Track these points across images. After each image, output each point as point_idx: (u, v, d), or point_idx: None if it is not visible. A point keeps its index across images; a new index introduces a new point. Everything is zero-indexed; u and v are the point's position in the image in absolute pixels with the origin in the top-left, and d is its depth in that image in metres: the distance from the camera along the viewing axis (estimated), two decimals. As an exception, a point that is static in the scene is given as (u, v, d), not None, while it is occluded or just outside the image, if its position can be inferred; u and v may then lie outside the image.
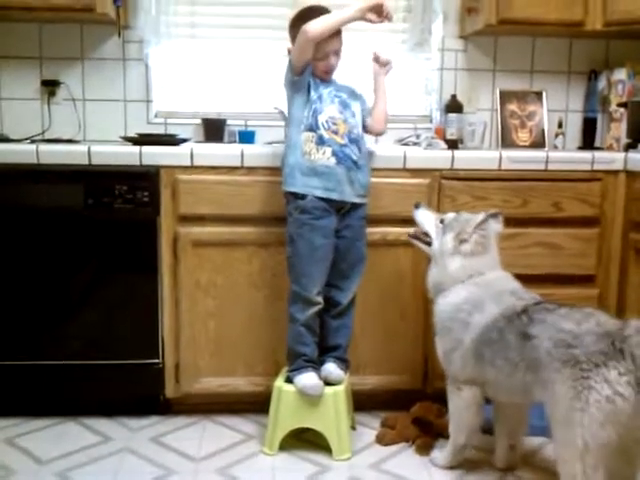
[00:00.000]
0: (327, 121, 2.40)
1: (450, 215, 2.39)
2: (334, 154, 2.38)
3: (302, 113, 2.41)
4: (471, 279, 2.27)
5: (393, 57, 2.62)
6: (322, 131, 2.38)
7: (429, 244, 2.40)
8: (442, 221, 2.37)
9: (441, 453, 2.40)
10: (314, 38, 2.33)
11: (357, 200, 2.46)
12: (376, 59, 2.59)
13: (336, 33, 2.40)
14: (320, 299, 2.44)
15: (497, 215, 2.33)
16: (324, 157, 2.38)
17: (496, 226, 2.33)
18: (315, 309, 2.44)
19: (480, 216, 2.30)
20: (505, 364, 2.08)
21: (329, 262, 2.44)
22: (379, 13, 2.40)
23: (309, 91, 2.42)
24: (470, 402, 2.26)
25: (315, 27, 2.33)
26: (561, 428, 1.89)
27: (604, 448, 1.80)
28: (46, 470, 2.33)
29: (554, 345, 1.92)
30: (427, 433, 2.54)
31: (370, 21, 2.41)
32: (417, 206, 2.46)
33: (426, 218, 2.43)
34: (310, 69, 2.42)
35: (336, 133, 2.40)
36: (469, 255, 2.28)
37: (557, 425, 1.91)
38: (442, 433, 2.48)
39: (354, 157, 2.42)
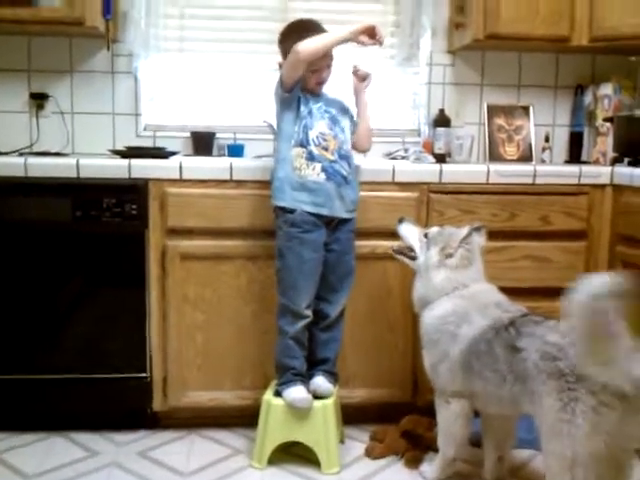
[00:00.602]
0: (317, 137, 2.40)
1: (434, 229, 2.40)
2: (324, 170, 2.39)
3: (292, 128, 2.42)
4: (456, 291, 2.28)
5: (372, 71, 2.60)
6: (312, 147, 2.39)
7: (413, 258, 2.41)
8: (426, 235, 2.38)
9: (430, 466, 2.40)
10: (305, 59, 2.33)
11: (346, 215, 2.47)
12: (355, 73, 2.59)
13: None
14: (309, 312, 2.44)
15: (480, 228, 2.35)
16: (314, 173, 2.39)
17: (480, 239, 2.35)
18: (304, 322, 2.44)
19: (464, 230, 2.31)
20: (494, 376, 2.08)
21: (318, 276, 2.44)
22: (371, 36, 2.41)
23: (299, 106, 2.42)
24: (458, 415, 2.26)
25: (307, 48, 2.32)
26: (549, 440, 1.89)
27: (593, 459, 1.80)
28: (33, 485, 2.31)
29: (540, 357, 1.92)
30: (416, 446, 2.54)
31: (362, 43, 2.41)
32: (401, 221, 2.47)
33: (410, 232, 2.44)
34: (300, 84, 2.42)
35: (326, 149, 2.41)
36: (454, 269, 2.29)
37: (545, 437, 1.91)
38: (431, 446, 2.47)
39: (344, 173, 2.43)
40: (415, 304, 2.40)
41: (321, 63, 2.41)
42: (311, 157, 2.39)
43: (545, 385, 1.89)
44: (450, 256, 2.28)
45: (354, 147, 2.58)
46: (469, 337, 2.17)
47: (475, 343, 2.15)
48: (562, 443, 1.83)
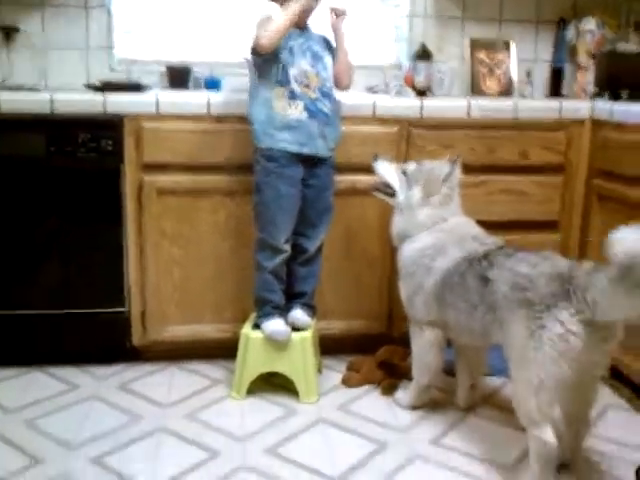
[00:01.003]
0: (299, 75, 2.36)
1: (412, 165, 2.38)
2: (306, 108, 2.36)
3: (271, 68, 2.37)
4: (436, 226, 2.30)
5: (347, 6, 2.51)
6: (294, 85, 2.35)
7: (392, 195, 2.40)
8: (404, 172, 2.37)
9: (405, 393, 2.45)
10: (268, 50, 2.30)
11: (328, 154, 2.45)
12: (331, 11, 2.50)
13: None
14: (287, 247, 2.45)
15: (456, 160, 2.34)
16: (296, 111, 2.35)
17: (457, 172, 2.34)
18: (282, 257, 2.45)
19: (445, 167, 2.31)
20: (466, 306, 2.12)
21: (296, 211, 2.43)
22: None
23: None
24: (432, 343, 2.31)
25: (268, 41, 2.28)
26: (517, 367, 1.93)
27: (558, 385, 1.85)
28: (13, 418, 2.33)
29: (510, 288, 1.95)
30: (392, 375, 2.59)
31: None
32: (375, 158, 2.44)
33: (387, 170, 2.42)
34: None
35: (308, 87, 2.37)
36: (437, 206, 2.30)
37: (513, 364, 1.95)
38: (406, 375, 2.51)
39: (326, 110, 2.40)
40: (394, 238, 2.41)
41: None
42: (293, 95, 2.35)
43: (514, 314, 1.92)
44: (432, 194, 2.29)
45: (335, 84, 2.52)
46: (443, 269, 2.20)
47: (449, 275, 2.18)
48: (529, 369, 1.86)
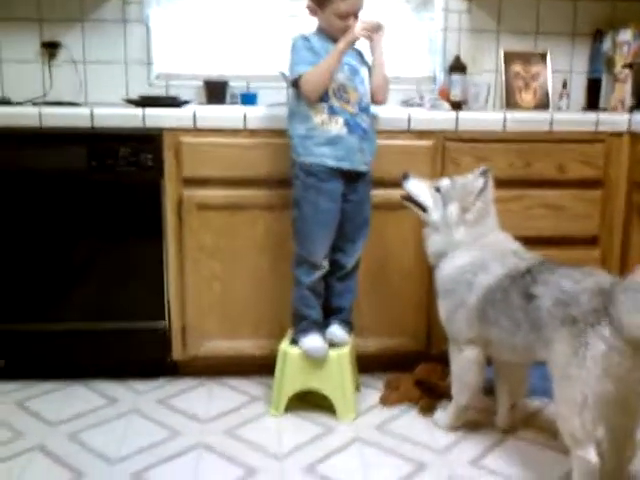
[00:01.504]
0: (338, 89, 2.36)
1: (445, 182, 2.36)
2: (346, 123, 2.36)
3: None
4: (475, 242, 2.29)
5: (383, 22, 2.46)
6: (333, 100, 2.35)
7: (423, 209, 2.39)
8: (438, 189, 2.35)
9: (443, 414, 2.44)
10: (316, 99, 2.33)
11: (365, 168, 2.45)
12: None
13: None
14: (326, 263, 2.45)
15: (487, 172, 2.30)
16: (337, 127, 2.35)
17: (490, 185, 2.31)
18: (320, 273, 2.45)
19: (478, 181, 2.28)
20: (509, 323, 2.10)
21: (334, 226, 2.43)
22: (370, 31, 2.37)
23: (320, 59, 2.35)
24: (472, 362, 2.29)
25: (314, 89, 2.31)
26: (560, 385, 1.92)
27: (602, 403, 1.83)
28: (55, 432, 2.36)
29: (554, 304, 1.95)
30: (430, 394, 2.57)
31: (365, 37, 2.38)
32: (406, 177, 2.42)
33: (419, 188, 2.40)
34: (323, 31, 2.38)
35: (347, 102, 2.37)
36: (474, 223, 2.29)
37: (557, 382, 1.93)
38: (445, 394, 2.50)
39: (364, 125, 2.40)
40: (431, 257, 2.40)
41: (351, 8, 2.33)
42: (332, 111, 2.35)
43: (557, 331, 1.91)
44: (467, 210, 2.27)
45: (370, 99, 2.51)
46: (485, 285, 2.19)
47: (491, 291, 2.17)
48: (572, 388, 1.85)
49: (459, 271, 2.27)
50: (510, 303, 2.10)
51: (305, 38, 2.38)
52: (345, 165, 2.38)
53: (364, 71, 2.46)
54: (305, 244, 2.43)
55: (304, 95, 2.34)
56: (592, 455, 1.86)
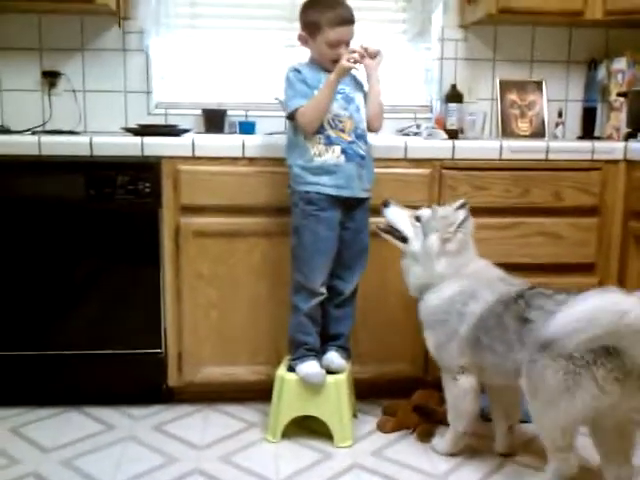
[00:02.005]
0: (333, 119, 2.38)
1: (426, 212, 2.36)
2: (343, 152, 2.38)
3: None
4: (458, 273, 2.30)
5: (382, 48, 2.50)
6: (329, 131, 2.38)
7: (402, 240, 2.37)
8: (418, 219, 2.35)
9: (441, 440, 2.43)
10: (313, 130, 2.36)
11: (364, 195, 2.46)
12: (365, 50, 2.47)
13: (348, 23, 2.38)
14: (323, 290, 2.46)
15: (466, 205, 2.32)
16: (334, 156, 2.38)
17: (470, 217, 2.32)
18: (318, 299, 2.45)
19: (460, 213, 2.29)
20: (503, 348, 2.12)
21: (333, 253, 2.44)
22: (363, 56, 2.39)
23: (313, 91, 2.38)
24: (467, 390, 2.29)
25: (310, 122, 2.35)
26: (545, 406, 1.98)
27: (586, 423, 2.00)
28: (50, 459, 2.35)
29: None
30: (428, 420, 2.56)
31: (359, 63, 2.40)
32: (386, 204, 2.42)
33: (399, 216, 2.39)
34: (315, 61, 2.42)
35: (343, 131, 2.39)
36: (455, 254, 2.29)
37: (541, 402, 1.99)
38: (442, 420, 2.48)
39: (361, 152, 2.42)
40: (412, 289, 2.40)
41: (341, 38, 2.37)
42: (329, 141, 2.38)
43: (553, 360, 1.93)
44: (447, 240, 2.27)
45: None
46: (477, 314, 2.21)
47: (483, 319, 2.19)
48: (557, 413, 1.94)
49: (448, 302, 2.28)
50: (505, 327, 2.12)
51: (297, 70, 2.41)
52: (345, 193, 2.40)
53: (359, 98, 2.48)
54: (304, 271, 2.43)
55: (301, 128, 2.37)
56: (574, 458, 2.00)
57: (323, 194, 2.38)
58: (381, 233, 2.43)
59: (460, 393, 2.30)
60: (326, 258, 2.43)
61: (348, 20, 2.38)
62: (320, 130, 2.37)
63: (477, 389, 2.30)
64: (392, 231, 2.40)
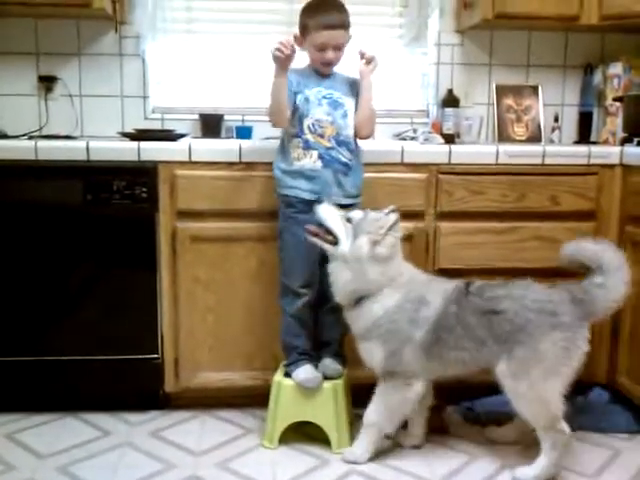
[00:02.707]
0: (313, 124, 2.40)
1: (358, 214, 2.31)
2: (320, 157, 2.40)
3: (291, 121, 2.43)
4: (395, 281, 2.30)
5: (377, 55, 2.50)
6: (308, 135, 2.40)
7: (332, 243, 2.30)
8: (349, 220, 2.30)
9: (357, 446, 2.40)
10: (283, 124, 2.43)
11: (346, 201, 2.44)
12: (361, 56, 2.49)
13: (334, 27, 2.38)
14: (306, 291, 2.46)
15: (396, 210, 2.30)
16: (311, 161, 2.40)
17: (399, 223, 2.32)
18: (303, 301, 2.45)
19: (391, 216, 2.28)
20: (472, 344, 2.24)
21: (314, 256, 2.42)
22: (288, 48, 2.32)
23: (295, 97, 2.41)
24: (417, 395, 2.33)
25: (270, 114, 2.43)
26: (544, 378, 2.18)
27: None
28: (46, 465, 2.34)
29: (537, 314, 2.19)
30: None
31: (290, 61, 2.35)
32: (320, 201, 2.35)
33: (331, 214, 2.31)
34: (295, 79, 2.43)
35: (322, 136, 2.40)
36: (384, 259, 2.27)
37: (539, 377, 2.18)
38: (446, 428, 2.50)
39: (342, 159, 2.42)
40: (341, 295, 2.34)
41: (327, 41, 2.38)
42: (307, 145, 2.40)
43: (547, 335, 2.17)
44: (377, 243, 2.25)
45: (356, 134, 2.50)
46: (431, 317, 2.27)
47: (440, 320, 2.25)
48: (558, 380, 2.19)
49: (395, 310, 2.28)
50: (468, 325, 2.23)
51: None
52: (321, 198, 2.39)
53: (350, 104, 2.47)
54: (286, 272, 2.47)
55: (272, 124, 2.44)
56: (566, 426, 2.23)
57: (300, 198, 2.40)
58: (309, 237, 2.33)
59: (410, 397, 2.32)
60: (306, 260, 2.43)
61: (334, 24, 2.38)
62: (299, 134, 2.40)
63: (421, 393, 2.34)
64: (320, 233, 2.31)
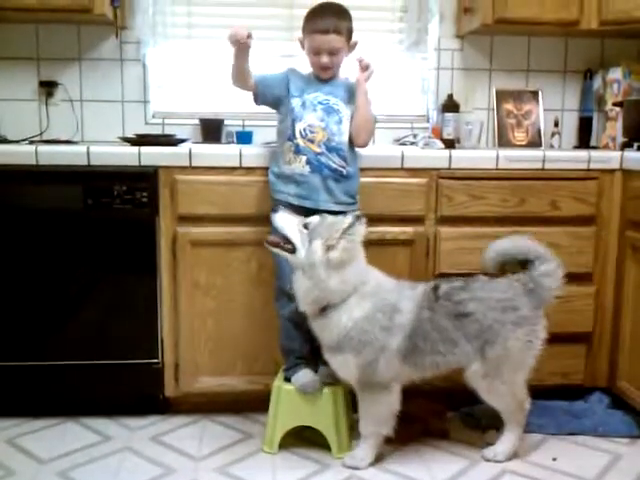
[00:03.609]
0: (305, 129, 2.41)
1: (315, 219, 2.27)
2: (308, 162, 2.40)
3: (284, 123, 2.45)
4: (360, 289, 2.28)
5: (375, 61, 2.49)
6: (299, 140, 2.40)
7: (292, 251, 2.27)
8: (306, 226, 2.27)
9: (358, 452, 2.40)
10: (236, 86, 2.50)
11: (337, 208, 2.42)
12: (359, 62, 2.47)
13: (325, 32, 2.38)
14: None
15: (360, 218, 2.26)
16: (299, 165, 2.40)
17: (361, 229, 2.26)
18: (296, 303, 2.40)
19: (347, 219, 2.24)
20: (446, 346, 2.30)
21: None
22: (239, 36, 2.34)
23: (291, 100, 2.43)
24: (398, 395, 2.35)
25: (230, 78, 2.48)
26: (514, 371, 2.34)
27: None
28: (47, 470, 2.34)
29: (502, 312, 2.30)
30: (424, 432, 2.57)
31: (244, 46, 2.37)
32: (276, 209, 2.33)
33: (287, 222, 2.28)
34: (286, 87, 2.46)
35: (312, 142, 2.41)
36: (341, 265, 2.22)
37: (508, 371, 2.33)
38: (446, 433, 2.50)
39: (333, 165, 2.42)
40: (307, 306, 2.30)
41: (319, 45, 2.39)
42: (297, 150, 2.41)
43: (512, 332, 2.30)
44: (331, 248, 2.19)
45: (352, 142, 2.48)
46: (407, 324, 2.28)
47: (415, 327, 2.27)
48: (524, 370, 2.36)
49: (365, 321, 2.26)
50: (442, 328, 2.29)
51: (291, 70, 2.51)
52: (307, 204, 2.40)
53: (346, 110, 2.46)
54: (279, 275, 2.47)
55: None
56: (528, 402, 2.44)
57: (287, 202, 2.41)
58: (268, 247, 2.32)
59: (393, 400, 2.34)
60: None
61: (326, 29, 2.39)
62: (291, 138, 2.41)
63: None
64: (280, 242, 2.28)
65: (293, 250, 2.26)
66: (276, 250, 2.31)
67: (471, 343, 2.31)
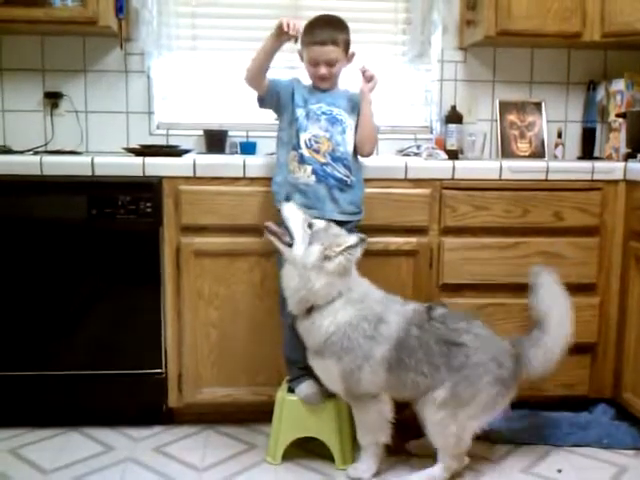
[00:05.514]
0: (309, 139, 2.41)
1: (321, 223, 2.29)
2: (314, 172, 2.40)
3: (288, 133, 2.46)
4: (346, 294, 2.28)
5: (378, 72, 2.50)
6: (303, 150, 2.41)
7: (287, 245, 2.27)
8: (310, 226, 2.28)
9: (361, 464, 2.39)
10: (249, 83, 2.46)
11: (341, 218, 2.42)
12: (362, 73, 2.49)
13: (321, 43, 2.40)
14: None
15: (364, 241, 2.27)
16: (305, 175, 2.40)
17: (359, 252, 2.28)
18: None
19: (352, 238, 2.25)
20: (429, 368, 2.24)
21: None
22: (290, 30, 2.34)
23: (295, 110, 2.44)
24: (388, 404, 2.33)
25: (246, 72, 2.44)
26: (469, 420, 2.26)
27: None
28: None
29: (490, 360, 2.26)
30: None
31: (285, 39, 2.37)
32: (287, 199, 2.38)
33: (294, 215, 2.29)
34: (288, 93, 2.47)
35: (317, 152, 2.41)
36: (332, 275, 2.24)
37: (466, 417, 2.25)
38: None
39: (338, 175, 2.42)
40: (295, 305, 2.30)
41: (317, 56, 2.41)
42: (302, 160, 2.41)
43: (491, 386, 2.24)
44: (328, 258, 2.21)
45: (356, 150, 2.50)
46: (393, 336, 2.26)
47: (402, 341, 2.25)
48: (478, 424, 2.29)
49: (348, 327, 2.25)
50: (429, 350, 2.25)
51: (296, 79, 2.52)
52: (313, 213, 2.39)
53: (350, 121, 2.47)
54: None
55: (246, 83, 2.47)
56: (466, 458, 2.38)
57: None
58: (267, 234, 2.32)
59: (384, 408, 2.32)
60: None
61: (322, 41, 2.40)
62: (296, 147, 2.41)
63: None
64: (279, 233, 2.29)
65: (289, 244, 2.27)
66: (272, 238, 2.31)
67: (451, 372, 2.24)
